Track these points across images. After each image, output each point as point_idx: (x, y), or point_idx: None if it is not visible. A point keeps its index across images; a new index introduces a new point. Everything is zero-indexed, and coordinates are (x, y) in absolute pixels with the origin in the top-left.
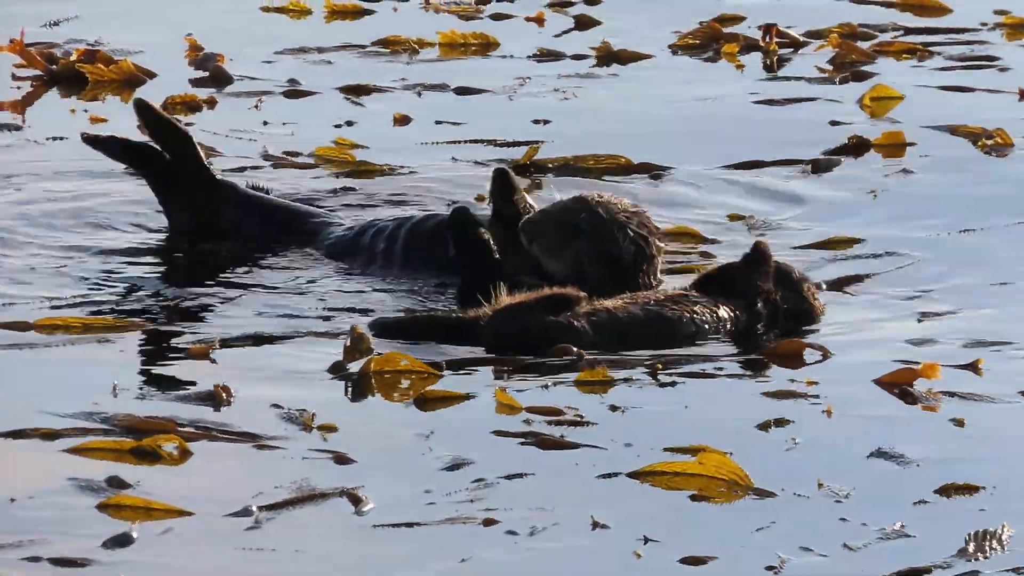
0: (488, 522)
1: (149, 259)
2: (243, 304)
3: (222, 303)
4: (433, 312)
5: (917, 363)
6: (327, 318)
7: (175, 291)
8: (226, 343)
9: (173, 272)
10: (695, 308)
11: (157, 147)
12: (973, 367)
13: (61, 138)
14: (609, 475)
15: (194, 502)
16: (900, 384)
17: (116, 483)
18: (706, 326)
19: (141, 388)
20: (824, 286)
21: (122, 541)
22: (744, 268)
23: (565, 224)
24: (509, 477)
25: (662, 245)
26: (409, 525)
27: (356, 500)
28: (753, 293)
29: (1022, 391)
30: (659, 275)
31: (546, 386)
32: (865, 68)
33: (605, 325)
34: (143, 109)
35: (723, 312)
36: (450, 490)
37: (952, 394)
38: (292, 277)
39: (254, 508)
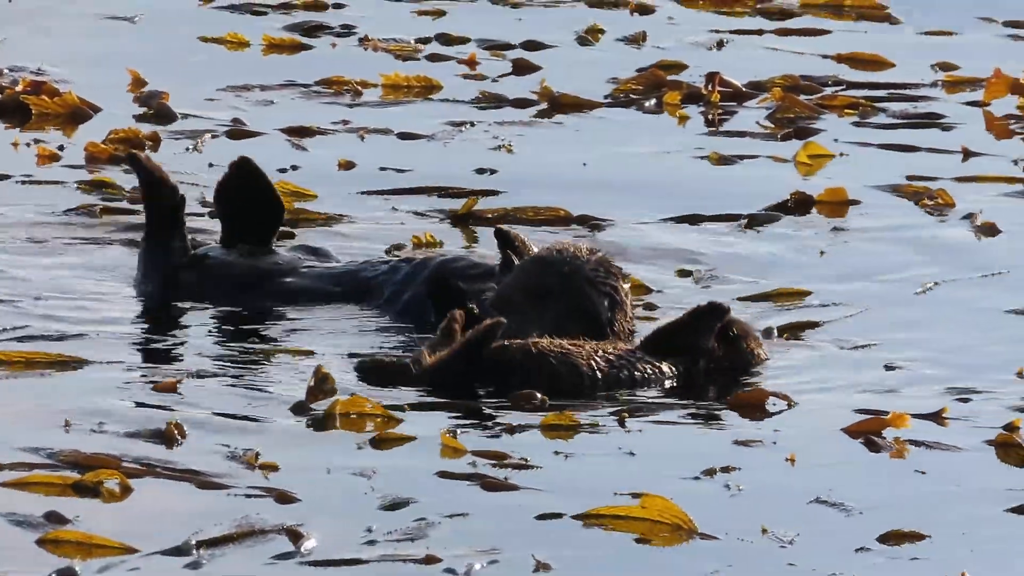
0: (429, 559)
1: (102, 296)
2: (207, 340)
3: (187, 337)
4: (376, 357)
5: (885, 412)
6: (293, 356)
7: (140, 327)
8: (191, 379)
9: (133, 307)
10: (638, 365)
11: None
12: (938, 416)
13: (5, 176)
14: (552, 515)
15: (133, 539)
16: (867, 433)
17: (55, 518)
18: (647, 382)
19: (94, 423)
20: (775, 333)
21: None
22: (689, 325)
23: (533, 292)
24: (451, 516)
25: (627, 287)
26: (349, 562)
27: (296, 537)
28: (696, 351)
29: (986, 440)
30: (631, 318)
31: (510, 430)
32: (808, 125)
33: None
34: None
35: (664, 369)
36: (391, 528)
37: (917, 443)
38: (259, 314)
39: (193, 544)
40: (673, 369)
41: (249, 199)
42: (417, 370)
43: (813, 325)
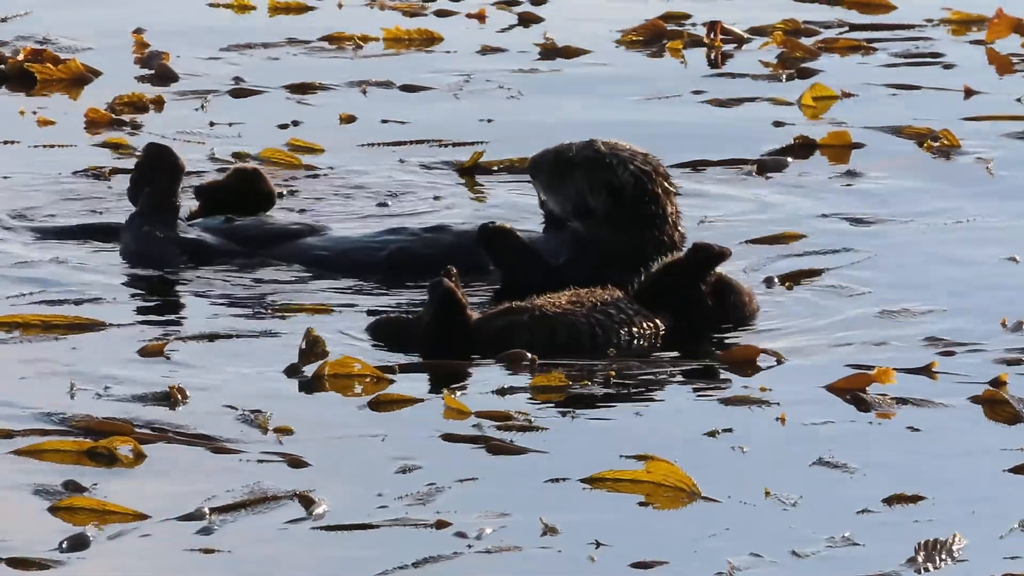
0: (440, 524)
1: (105, 259)
2: (199, 303)
3: (179, 302)
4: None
5: (871, 368)
6: (284, 319)
7: (133, 290)
8: (181, 342)
9: (131, 272)
10: (635, 318)
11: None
12: (927, 370)
13: (12, 142)
14: (559, 479)
15: (148, 505)
16: (853, 390)
17: (72, 487)
18: (639, 336)
19: (98, 388)
20: (776, 280)
21: (78, 542)
22: (682, 274)
23: (563, 157)
24: (460, 481)
25: (672, 189)
26: (361, 527)
27: (308, 503)
28: (688, 301)
29: (972, 397)
30: (679, 228)
31: (502, 391)
32: (810, 65)
33: (536, 328)
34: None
35: (656, 322)
36: (401, 493)
37: (904, 400)
38: (249, 277)
39: (207, 511)
40: (666, 322)
41: (243, 200)
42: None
43: (814, 273)
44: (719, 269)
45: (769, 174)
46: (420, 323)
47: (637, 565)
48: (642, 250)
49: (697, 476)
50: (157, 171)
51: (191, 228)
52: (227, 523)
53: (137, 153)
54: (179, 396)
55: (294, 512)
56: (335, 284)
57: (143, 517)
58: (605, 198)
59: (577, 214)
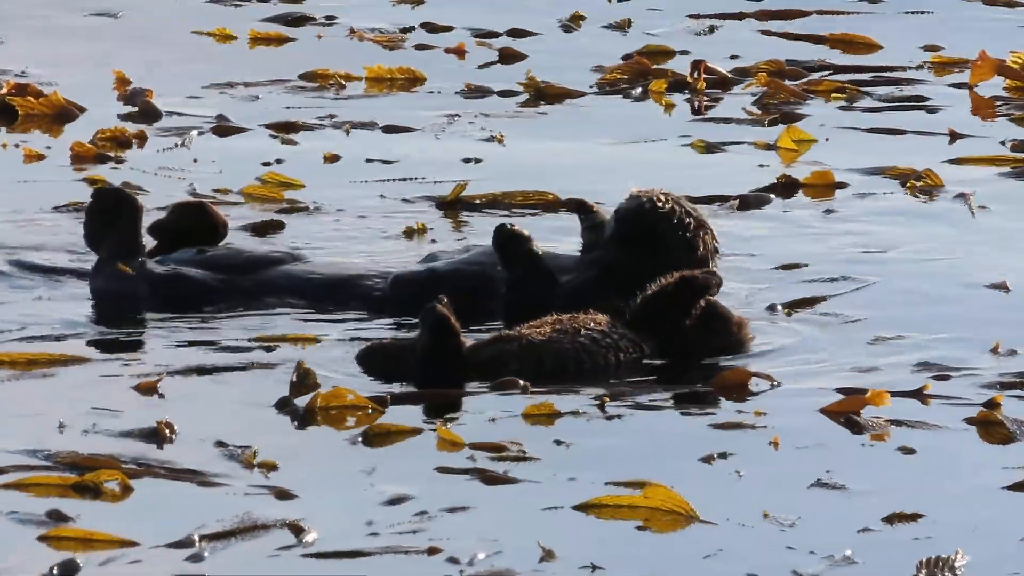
0: (432, 551)
1: (84, 295)
2: (189, 338)
3: (168, 337)
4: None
5: (865, 391)
6: (270, 350)
7: (120, 326)
8: (172, 378)
9: (110, 310)
10: (621, 342)
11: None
12: (920, 394)
13: None
14: (554, 508)
15: (135, 534)
16: (847, 412)
17: (56, 516)
18: (626, 360)
19: (86, 424)
20: (780, 308)
21: (69, 569)
22: (668, 302)
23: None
24: (452, 510)
25: (709, 226)
26: (352, 554)
27: (298, 531)
28: (674, 329)
29: (967, 419)
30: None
31: (492, 419)
32: (794, 110)
33: (524, 357)
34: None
35: (643, 347)
36: (393, 522)
37: (899, 422)
38: (237, 312)
39: (196, 538)
40: (653, 347)
41: (193, 234)
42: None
43: (815, 301)
44: (720, 296)
45: (751, 210)
46: (413, 349)
47: None
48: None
49: (694, 500)
50: (117, 215)
51: (162, 263)
52: (217, 550)
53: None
54: (167, 432)
55: (284, 540)
56: (319, 314)
57: (132, 544)
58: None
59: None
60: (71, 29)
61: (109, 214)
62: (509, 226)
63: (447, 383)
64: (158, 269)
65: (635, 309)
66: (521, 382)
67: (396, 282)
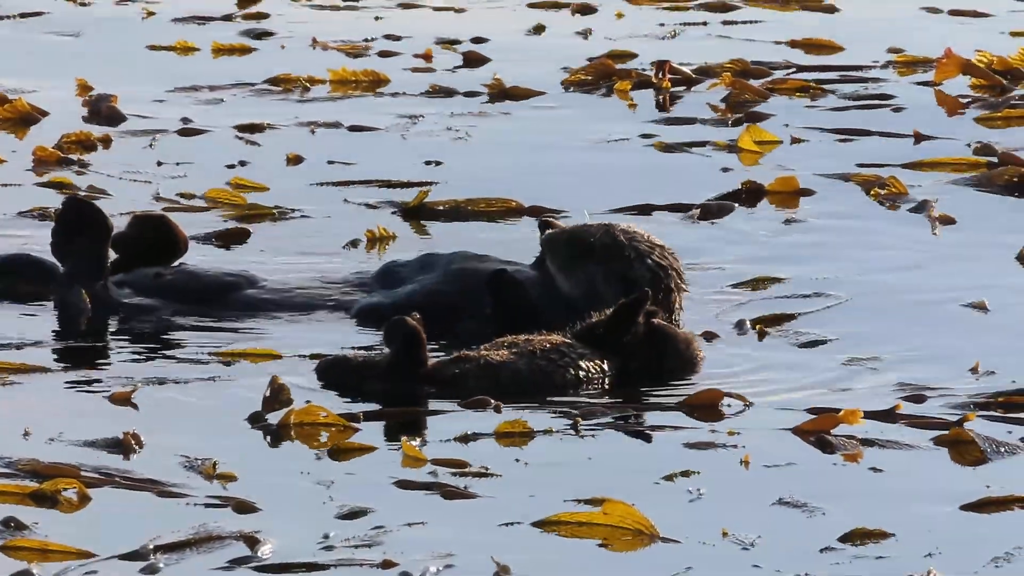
0: (386, 564)
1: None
2: (165, 349)
3: (144, 348)
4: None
5: (837, 409)
6: (229, 365)
7: (94, 336)
8: (146, 389)
9: (90, 316)
10: (580, 362)
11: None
12: (892, 413)
13: None
14: (512, 523)
15: (91, 545)
16: (819, 431)
17: (15, 525)
18: (585, 378)
19: (52, 432)
20: (748, 324)
21: None
22: (615, 321)
23: (578, 242)
24: (409, 524)
25: (684, 286)
26: (306, 567)
27: (253, 543)
28: (624, 347)
29: (936, 438)
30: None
31: (464, 438)
32: (758, 109)
33: (480, 375)
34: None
35: (603, 364)
36: (349, 535)
37: (870, 442)
38: (213, 324)
39: (151, 549)
40: (611, 366)
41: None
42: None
43: (784, 318)
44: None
45: (714, 220)
46: (375, 364)
47: None
48: None
49: (656, 518)
50: (85, 227)
51: (120, 287)
52: (172, 562)
53: (82, 192)
54: (133, 443)
55: (239, 552)
56: (286, 330)
57: (88, 556)
58: (618, 288)
59: (586, 299)
60: (34, 43)
61: (78, 225)
62: (505, 273)
63: (408, 399)
64: (116, 296)
65: (581, 331)
66: (492, 401)
67: (361, 313)
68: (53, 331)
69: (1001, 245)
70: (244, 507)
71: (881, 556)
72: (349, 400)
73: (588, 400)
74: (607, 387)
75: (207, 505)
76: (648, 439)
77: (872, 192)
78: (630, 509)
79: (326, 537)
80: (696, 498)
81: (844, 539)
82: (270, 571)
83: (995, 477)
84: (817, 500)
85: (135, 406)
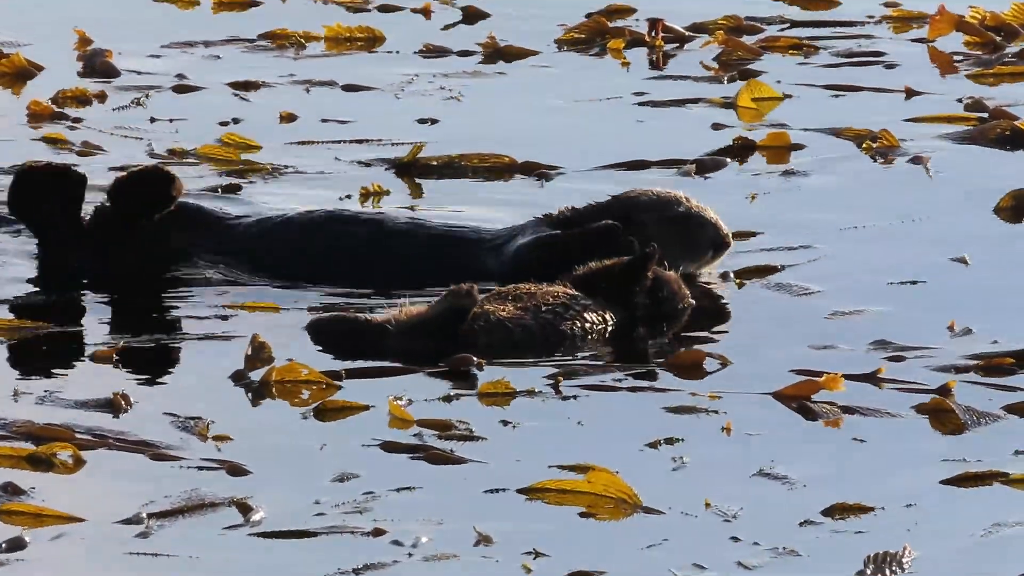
0: (376, 532)
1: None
2: (147, 308)
3: (125, 307)
4: (344, 314)
5: (819, 374)
6: (230, 323)
7: (77, 293)
8: (129, 348)
9: (74, 275)
10: (584, 314)
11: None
12: (873, 377)
13: None
14: (497, 490)
15: (85, 510)
16: (800, 397)
17: (11, 490)
18: (593, 331)
19: (41, 393)
20: (732, 276)
21: (16, 544)
22: (625, 271)
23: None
24: (398, 490)
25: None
26: (298, 534)
27: (246, 509)
28: (631, 297)
29: (918, 406)
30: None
31: (448, 398)
32: (751, 67)
33: (495, 333)
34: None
35: (608, 316)
36: (339, 501)
37: (851, 410)
38: (195, 279)
39: (144, 516)
40: (613, 317)
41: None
42: (392, 327)
43: (768, 270)
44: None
45: (708, 175)
46: (372, 324)
47: (575, 575)
48: None
49: (639, 486)
50: (57, 192)
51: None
52: (164, 528)
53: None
54: (123, 403)
55: (232, 518)
56: (279, 285)
57: (80, 521)
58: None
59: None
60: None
61: (55, 191)
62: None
63: (402, 359)
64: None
65: (583, 277)
66: (475, 359)
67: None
68: (38, 284)
69: (986, 196)
70: (237, 470)
71: (860, 531)
72: (335, 356)
73: (570, 360)
74: (602, 344)
75: (200, 468)
76: (631, 402)
77: (864, 145)
78: (614, 478)
79: (317, 503)
80: (680, 466)
81: (826, 513)
82: (263, 538)
83: (975, 450)
84: (798, 471)
85: (118, 364)
